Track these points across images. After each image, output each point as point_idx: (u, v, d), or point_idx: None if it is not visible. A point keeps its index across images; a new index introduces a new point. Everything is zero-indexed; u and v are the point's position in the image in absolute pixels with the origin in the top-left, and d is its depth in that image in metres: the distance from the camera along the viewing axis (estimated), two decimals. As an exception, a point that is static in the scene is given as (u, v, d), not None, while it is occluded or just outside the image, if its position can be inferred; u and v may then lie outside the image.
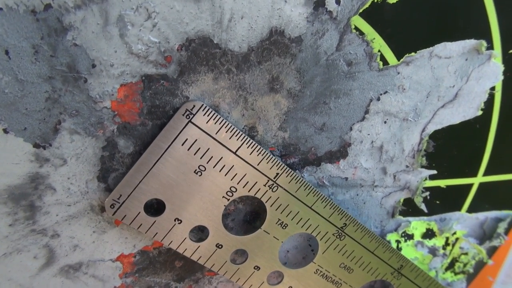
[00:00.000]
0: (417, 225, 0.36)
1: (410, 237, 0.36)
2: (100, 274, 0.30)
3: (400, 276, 0.33)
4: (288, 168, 0.28)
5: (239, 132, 0.26)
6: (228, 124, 0.26)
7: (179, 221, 0.27)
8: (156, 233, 0.27)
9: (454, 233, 0.37)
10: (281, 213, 0.29)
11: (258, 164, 0.27)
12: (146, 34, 0.23)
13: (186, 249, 0.28)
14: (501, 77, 0.31)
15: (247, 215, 0.31)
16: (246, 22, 0.24)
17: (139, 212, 0.27)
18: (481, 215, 0.38)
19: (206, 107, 0.25)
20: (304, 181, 0.28)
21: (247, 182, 0.27)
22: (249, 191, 0.27)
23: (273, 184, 0.28)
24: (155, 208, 0.28)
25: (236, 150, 0.26)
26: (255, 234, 0.29)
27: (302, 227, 0.30)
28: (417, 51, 0.28)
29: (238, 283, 0.31)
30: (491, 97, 0.32)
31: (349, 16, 0.26)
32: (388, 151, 0.32)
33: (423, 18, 0.28)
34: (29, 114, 0.23)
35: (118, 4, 0.22)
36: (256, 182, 0.27)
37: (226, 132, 0.26)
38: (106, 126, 0.25)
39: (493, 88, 0.32)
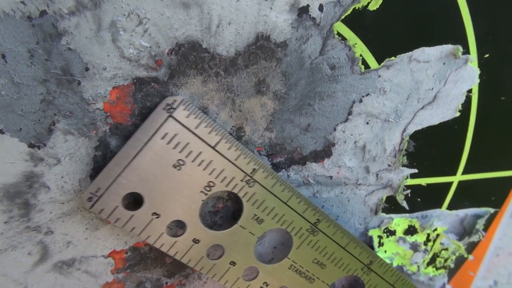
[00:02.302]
0: (399, 222, 0.38)
1: (392, 233, 0.38)
2: (93, 270, 0.31)
3: (370, 272, 0.34)
4: (264, 164, 0.29)
5: (218, 127, 0.27)
6: (208, 119, 0.26)
7: (157, 216, 0.28)
8: (134, 227, 0.28)
9: (435, 229, 0.39)
10: (257, 208, 0.29)
11: (235, 159, 0.28)
12: (137, 39, 0.24)
13: (163, 244, 0.29)
14: (477, 80, 0.33)
15: (235, 213, 0.32)
16: (234, 28, 0.26)
17: (117, 206, 0.27)
18: (461, 212, 0.40)
19: (186, 102, 0.26)
20: (280, 177, 0.29)
21: (225, 177, 0.28)
22: (226, 186, 0.28)
23: (249, 180, 0.28)
24: (132, 202, 0.28)
25: (215, 145, 0.27)
26: (232, 229, 0.30)
27: (277, 222, 0.30)
28: (397, 56, 0.30)
29: (214, 279, 0.32)
30: (468, 99, 0.34)
31: (331, 22, 0.27)
32: (371, 150, 0.33)
33: (402, 24, 0.29)
34: (25, 115, 0.24)
35: (111, 11, 0.23)
36: (234, 177, 0.28)
37: (206, 127, 0.26)
38: (99, 127, 0.26)
39: (470, 91, 0.33)
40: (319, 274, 0.33)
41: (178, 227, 0.30)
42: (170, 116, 0.26)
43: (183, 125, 0.26)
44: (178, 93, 0.27)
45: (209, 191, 0.28)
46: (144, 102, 0.26)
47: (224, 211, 0.32)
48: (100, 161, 0.27)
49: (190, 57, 0.26)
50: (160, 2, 0.24)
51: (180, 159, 0.27)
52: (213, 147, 0.27)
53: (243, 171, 0.28)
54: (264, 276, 0.33)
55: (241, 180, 0.28)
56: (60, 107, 0.25)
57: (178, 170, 0.27)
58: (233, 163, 0.28)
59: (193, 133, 0.26)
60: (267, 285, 0.33)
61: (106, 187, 0.26)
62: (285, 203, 0.30)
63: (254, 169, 0.28)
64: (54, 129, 0.25)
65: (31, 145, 0.25)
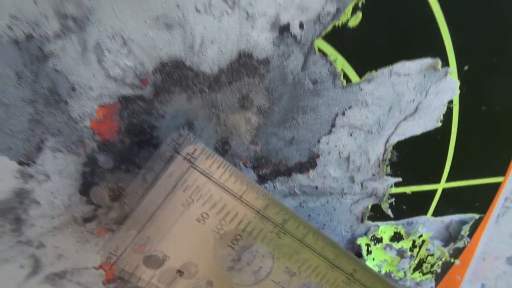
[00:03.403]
0: (385, 229, 0.38)
1: (379, 240, 0.39)
2: (84, 280, 0.32)
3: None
4: (294, 213, 0.27)
5: (243, 175, 0.25)
6: (231, 166, 0.24)
7: (181, 273, 0.26)
8: (157, 287, 0.26)
9: (420, 235, 0.40)
10: (288, 260, 0.27)
11: (264, 209, 0.26)
12: (122, 59, 0.25)
13: None
14: (458, 92, 0.34)
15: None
16: (216, 47, 0.26)
17: (138, 265, 0.25)
18: (446, 218, 0.41)
19: (207, 150, 0.24)
20: (312, 227, 0.27)
21: (253, 229, 0.26)
22: (254, 239, 0.27)
23: (280, 230, 0.27)
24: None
25: (241, 196, 0.25)
26: (263, 283, 0.28)
27: (310, 275, 0.28)
28: (378, 70, 0.31)
29: None
30: (449, 109, 0.34)
31: (312, 39, 0.28)
32: (355, 161, 0.34)
33: (381, 39, 0.30)
34: (14, 135, 0.25)
35: (96, 33, 0.24)
36: (262, 229, 0.26)
37: (230, 176, 0.24)
38: (87, 144, 0.27)
39: (451, 102, 0.34)
40: None
41: (207, 284, 0.28)
42: (192, 166, 0.24)
43: (206, 175, 0.24)
44: (164, 110, 0.27)
45: (236, 244, 0.26)
46: (131, 119, 0.27)
47: (212, 222, 0.33)
48: (89, 176, 0.28)
49: (175, 75, 0.27)
50: (143, 23, 0.24)
51: (204, 212, 0.25)
52: (239, 198, 0.25)
53: (272, 221, 0.26)
54: None
55: (271, 232, 0.26)
56: (48, 126, 0.25)
57: (202, 224, 0.25)
58: (262, 214, 0.26)
59: (217, 183, 0.24)
60: None
61: (125, 246, 0.24)
62: (318, 254, 0.28)
63: (284, 219, 0.26)
64: (43, 147, 0.26)
65: (20, 163, 0.26)
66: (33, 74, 0.24)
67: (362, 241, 0.38)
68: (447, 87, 0.33)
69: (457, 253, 0.44)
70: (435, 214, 0.40)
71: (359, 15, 0.28)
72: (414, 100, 0.33)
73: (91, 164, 0.28)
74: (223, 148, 0.30)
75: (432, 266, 0.43)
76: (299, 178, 0.33)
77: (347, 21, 0.28)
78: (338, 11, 0.28)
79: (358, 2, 0.28)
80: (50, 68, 0.24)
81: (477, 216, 0.42)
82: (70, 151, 0.27)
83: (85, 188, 0.28)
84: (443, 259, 0.43)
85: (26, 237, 0.28)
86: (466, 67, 0.33)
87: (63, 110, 0.25)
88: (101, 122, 0.26)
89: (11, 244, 0.28)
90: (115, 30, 0.24)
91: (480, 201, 0.41)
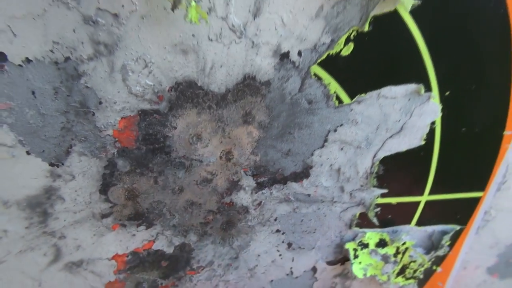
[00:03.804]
0: (371, 236, 0.42)
1: (365, 245, 0.42)
2: (98, 270, 0.36)
3: None
4: None
5: None
6: None
7: None
8: None
9: (404, 243, 0.43)
10: None
11: None
12: (143, 78, 0.29)
13: None
14: (439, 114, 0.37)
15: (224, 224, 0.37)
16: (225, 70, 0.30)
17: None
18: (429, 228, 0.45)
19: None
20: None
21: None
22: None
23: None
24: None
25: None
26: None
27: None
28: (367, 93, 0.35)
29: None
30: (432, 130, 0.38)
31: (309, 65, 0.32)
32: (345, 173, 0.38)
33: (371, 67, 0.34)
34: (47, 140, 0.29)
35: (122, 57, 0.28)
36: None
37: None
38: (108, 150, 0.31)
39: (433, 123, 0.38)
40: None
41: None
42: None
43: None
44: (176, 123, 0.31)
45: None
46: (147, 129, 0.31)
47: (214, 222, 0.36)
48: (108, 178, 0.32)
49: (187, 93, 0.30)
50: (163, 49, 0.28)
51: None
52: None
53: None
54: None
55: None
56: (77, 133, 0.29)
57: None
58: None
59: None
60: None
61: None
62: None
63: None
64: (71, 151, 0.30)
65: (51, 164, 0.30)
66: (68, 89, 0.28)
67: (350, 246, 0.42)
68: (430, 110, 0.37)
69: (439, 261, 0.47)
70: (419, 223, 0.44)
71: (351, 46, 0.32)
72: (399, 120, 0.37)
73: (111, 167, 0.31)
74: (226, 157, 0.34)
75: (414, 271, 0.46)
76: (294, 186, 0.37)
77: (340, 50, 0.32)
78: (332, 42, 0.31)
79: (350, 35, 0.31)
80: (82, 85, 0.28)
81: (458, 227, 0.45)
82: (94, 155, 0.31)
83: (104, 188, 0.32)
84: (425, 266, 0.46)
85: (51, 228, 0.32)
86: (447, 93, 0.36)
87: (90, 120, 0.29)
88: (122, 131, 0.30)
89: (37, 234, 0.32)
90: (139, 54, 0.28)
91: (460, 213, 0.45)
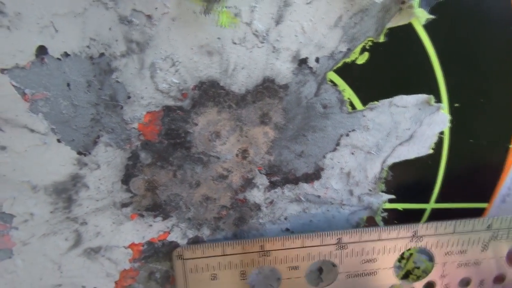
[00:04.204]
0: None
1: (370, 249, 0.44)
2: (114, 257, 0.37)
3: None
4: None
5: (213, 243, 0.36)
6: (206, 244, 0.36)
7: None
8: None
9: (409, 249, 0.44)
10: None
11: (244, 251, 0.36)
12: (170, 76, 0.31)
13: None
14: (448, 125, 0.39)
15: (236, 220, 0.39)
16: (246, 72, 0.32)
17: None
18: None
19: (188, 246, 0.36)
20: None
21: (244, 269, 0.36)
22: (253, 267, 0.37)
23: (263, 253, 0.36)
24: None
25: (223, 253, 0.36)
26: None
27: None
28: (379, 100, 0.36)
29: None
30: (440, 139, 0.40)
31: (325, 71, 0.34)
32: (355, 176, 0.39)
33: (384, 76, 0.35)
34: (77, 130, 0.31)
35: (152, 55, 0.30)
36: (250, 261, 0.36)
37: (209, 248, 0.35)
38: (133, 142, 0.33)
39: (442, 133, 0.39)
40: None
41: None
42: (183, 260, 0.36)
43: (194, 258, 0.36)
44: (198, 120, 0.33)
45: (244, 276, 0.37)
46: (170, 124, 0.33)
47: (227, 218, 0.38)
48: (131, 169, 0.34)
49: (210, 92, 0.32)
50: (190, 50, 0.30)
51: (212, 274, 0.36)
52: (223, 255, 0.36)
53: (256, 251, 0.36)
54: None
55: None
56: (105, 125, 0.31)
57: (216, 280, 0.36)
58: (244, 253, 0.36)
59: (203, 257, 0.36)
60: None
61: None
62: None
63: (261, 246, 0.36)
64: (98, 141, 0.32)
65: (79, 153, 0.32)
66: (100, 83, 0.30)
67: None
68: (439, 120, 0.38)
69: (442, 269, 0.48)
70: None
71: (366, 55, 0.34)
72: (409, 129, 0.38)
73: (134, 158, 0.33)
74: (243, 155, 0.36)
75: (418, 277, 0.47)
76: (305, 187, 0.39)
77: (356, 59, 0.34)
78: (349, 51, 0.33)
79: (366, 45, 0.33)
80: (113, 79, 0.30)
81: (462, 236, 0.46)
82: (119, 147, 0.32)
83: (126, 178, 0.34)
84: (428, 273, 0.47)
85: (74, 214, 0.34)
86: (456, 104, 0.38)
87: (118, 113, 0.31)
88: (146, 125, 0.32)
89: (61, 219, 0.34)
90: (167, 53, 0.30)
91: (465, 223, 0.46)
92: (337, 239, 0.37)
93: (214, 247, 0.36)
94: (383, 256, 0.38)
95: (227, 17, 0.28)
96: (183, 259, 0.36)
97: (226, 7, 0.28)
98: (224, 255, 0.36)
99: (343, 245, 0.37)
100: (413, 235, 0.38)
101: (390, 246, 0.38)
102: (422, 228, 0.38)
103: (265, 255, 0.36)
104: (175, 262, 0.36)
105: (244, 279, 0.37)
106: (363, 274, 0.39)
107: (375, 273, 0.39)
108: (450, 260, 0.40)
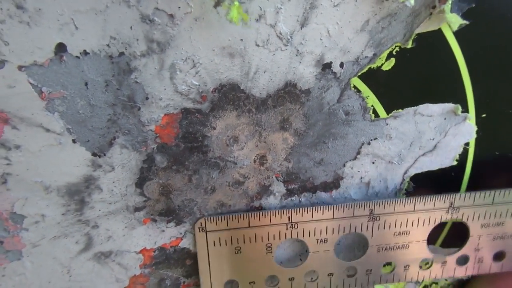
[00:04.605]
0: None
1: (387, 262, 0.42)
2: (125, 262, 0.36)
3: None
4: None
5: (237, 214, 0.34)
6: (228, 215, 0.34)
7: (253, 283, 0.37)
8: None
9: (427, 263, 0.43)
10: None
11: (270, 223, 0.35)
12: (189, 78, 0.30)
13: None
14: (474, 136, 0.37)
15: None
16: (268, 75, 0.31)
17: None
18: (453, 250, 0.44)
19: (212, 217, 0.34)
20: None
21: (271, 234, 0.35)
22: (274, 240, 0.36)
23: (290, 225, 0.35)
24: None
25: (249, 225, 0.34)
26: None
27: None
28: (404, 109, 0.35)
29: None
30: (465, 151, 0.38)
31: (349, 77, 0.33)
32: (374, 187, 0.38)
33: (410, 83, 0.34)
34: (93, 130, 0.30)
35: (172, 55, 0.29)
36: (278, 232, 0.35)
37: (233, 220, 0.34)
38: (149, 145, 0.32)
39: (467, 144, 0.38)
40: None
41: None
42: (206, 232, 0.34)
43: (218, 230, 0.34)
44: (216, 123, 0.32)
45: (270, 250, 0.36)
46: (188, 128, 0.32)
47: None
48: (146, 172, 0.33)
49: (229, 96, 0.31)
50: (211, 51, 0.29)
51: (236, 247, 0.35)
52: (248, 227, 0.34)
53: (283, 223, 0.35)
54: None
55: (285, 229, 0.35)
56: (122, 126, 0.30)
57: (240, 254, 0.35)
58: (270, 225, 0.35)
59: (228, 229, 0.34)
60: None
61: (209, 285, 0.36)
62: None
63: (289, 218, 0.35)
64: (114, 143, 0.31)
65: (94, 154, 0.31)
66: (118, 83, 0.29)
67: None
68: (465, 131, 0.37)
69: (461, 284, 0.46)
70: (443, 245, 0.43)
71: (392, 61, 0.33)
72: (433, 139, 0.37)
73: (149, 161, 0.32)
74: (260, 161, 0.34)
75: (435, 293, 0.46)
76: (323, 196, 0.37)
77: (382, 65, 0.33)
78: (375, 56, 0.32)
79: (392, 50, 0.32)
80: (132, 79, 0.29)
81: (483, 252, 0.45)
82: (134, 149, 0.32)
83: (141, 182, 0.33)
84: (447, 289, 0.45)
85: (86, 217, 0.33)
86: (483, 115, 0.36)
87: (136, 115, 0.30)
88: (164, 127, 0.31)
89: (72, 222, 0.33)
90: (188, 54, 0.29)
91: (487, 238, 0.44)
92: (370, 210, 0.36)
93: (239, 219, 0.34)
94: (416, 229, 0.37)
95: (238, 12, 0.27)
96: (206, 231, 0.34)
97: (239, 1, 0.27)
98: (249, 227, 0.34)
99: (376, 216, 0.35)
100: (449, 206, 0.36)
101: (424, 217, 0.36)
102: (460, 198, 0.36)
103: (292, 227, 0.35)
104: (197, 234, 0.34)
105: (270, 253, 0.35)
106: (395, 248, 0.37)
107: (407, 246, 0.38)
108: (486, 233, 0.38)
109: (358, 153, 0.36)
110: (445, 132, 0.37)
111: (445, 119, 0.36)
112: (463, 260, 0.40)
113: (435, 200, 0.36)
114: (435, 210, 0.36)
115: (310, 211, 0.35)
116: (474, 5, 0.31)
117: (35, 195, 0.31)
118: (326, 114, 0.34)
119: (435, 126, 0.36)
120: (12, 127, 0.29)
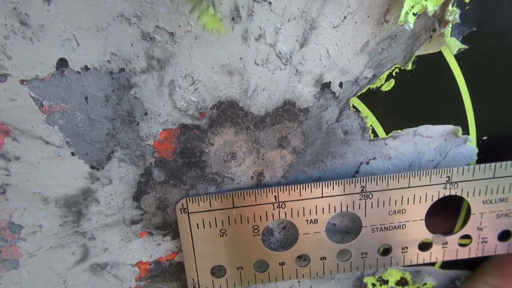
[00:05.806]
0: (392, 273, 0.41)
1: (385, 282, 0.42)
2: (121, 275, 0.36)
3: None
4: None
5: (220, 193, 0.33)
6: (210, 196, 0.33)
7: (241, 268, 0.35)
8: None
9: (425, 283, 0.42)
10: None
11: (257, 203, 0.33)
12: (188, 95, 0.30)
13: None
14: (475, 158, 0.37)
15: (247, 244, 0.37)
16: (266, 94, 0.31)
17: (211, 279, 0.35)
18: (453, 272, 0.43)
19: (193, 197, 0.33)
20: None
21: (260, 215, 0.34)
22: (266, 221, 0.34)
23: (277, 205, 0.33)
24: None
25: (233, 205, 0.33)
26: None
27: None
28: (403, 129, 0.35)
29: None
30: (465, 172, 0.38)
31: (348, 97, 0.33)
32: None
33: (410, 104, 0.34)
34: (92, 144, 0.30)
35: (172, 72, 0.29)
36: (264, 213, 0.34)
37: (216, 200, 0.33)
38: (147, 159, 0.32)
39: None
40: None
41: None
42: (188, 214, 0.33)
43: (201, 211, 0.33)
44: (214, 140, 0.32)
45: (258, 232, 0.34)
46: (186, 143, 0.32)
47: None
48: (143, 186, 0.33)
49: (228, 113, 0.32)
50: (211, 69, 0.30)
51: (221, 229, 0.33)
52: (232, 207, 0.33)
53: (269, 203, 0.33)
54: None
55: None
56: (120, 140, 0.31)
57: (225, 236, 0.34)
58: (256, 205, 0.33)
59: (210, 210, 0.33)
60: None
61: (195, 274, 0.35)
62: None
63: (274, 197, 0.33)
64: (112, 156, 0.31)
65: (92, 167, 0.31)
66: (118, 98, 0.29)
67: (368, 280, 0.41)
68: (465, 153, 0.36)
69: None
70: (443, 266, 0.43)
71: (392, 82, 0.32)
72: (433, 160, 0.36)
73: (147, 175, 0.33)
74: (257, 178, 0.34)
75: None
76: (320, 214, 0.37)
77: (381, 85, 0.33)
78: (374, 77, 0.32)
79: (392, 72, 0.32)
80: (131, 95, 0.29)
81: (483, 275, 0.44)
82: (133, 163, 0.32)
83: (138, 195, 0.33)
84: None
85: (83, 228, 0.33)
86: (485, 137, 0.36)
87: (134, 129, 0.31)
88: (162, 142, 0.32)
89: (69, 233, 0.33)
90: (188, 71, 0.29)
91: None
92: (361, 187, 0.33)
93: (222, 198, 0.33)
94: (413, 206, 0.34)
95: (212, 21, 0.26)
96: (188, 212, 0.32)
97: (214, 10, 0.26)
98: (234, 207, 0.33)
99: (368, 194, 0.33)
100: (447, 181, 0.33)
101: (421, 194, 0.34)
102: (458, 172, 0.33)
103: (280, 207, 0.33)
104: (178, 216, 0.33)
105: (257, 235, 0.34)
106: (391, 228, 0.35)
107: (403, 226, 0.35)
108: (489, 210, 0.35)
109: (357, 172, 0.36)
110: (445, 154, 0.36)
111: (445, 140, 0.36)
112: (465, 241, 0.37)
113: (431, 175, 0.33)
114: (431, 185, 0.34)
115: (297, 189, 0.33)
116: (475, 29, 0.31)
117: (33, 206, 0.32)
118: (325, 133, 0.34)
119: (435, 147, 0.36)
120: (12, 139, 0.29)
